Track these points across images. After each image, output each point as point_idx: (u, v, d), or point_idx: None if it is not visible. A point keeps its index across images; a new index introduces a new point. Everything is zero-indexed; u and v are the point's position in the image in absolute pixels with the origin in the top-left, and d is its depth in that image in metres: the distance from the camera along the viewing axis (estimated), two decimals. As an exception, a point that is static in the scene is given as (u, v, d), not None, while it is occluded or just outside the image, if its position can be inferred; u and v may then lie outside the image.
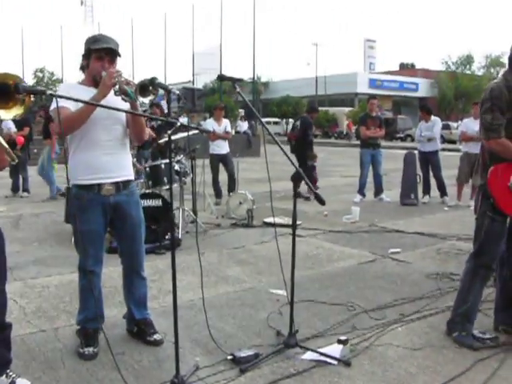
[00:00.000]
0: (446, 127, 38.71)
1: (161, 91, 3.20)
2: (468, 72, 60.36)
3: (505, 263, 4.26)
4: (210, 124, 10.96)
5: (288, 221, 8.58)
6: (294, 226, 3.77)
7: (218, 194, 10.97)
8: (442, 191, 11.06)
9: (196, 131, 7.09)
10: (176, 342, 3.20)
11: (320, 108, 58.27)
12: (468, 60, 61.23)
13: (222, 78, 3.61)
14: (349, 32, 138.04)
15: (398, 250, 6.94)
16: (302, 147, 11.59)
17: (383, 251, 6.86)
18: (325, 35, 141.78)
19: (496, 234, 4.00)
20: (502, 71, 4.11)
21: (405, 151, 12.22)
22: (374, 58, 64.61)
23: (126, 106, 3.58)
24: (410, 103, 59.72)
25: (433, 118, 11.22)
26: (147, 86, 3.27)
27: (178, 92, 3.23)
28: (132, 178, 3.99)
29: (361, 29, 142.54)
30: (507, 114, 3.84)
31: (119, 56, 3.71)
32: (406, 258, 6.62)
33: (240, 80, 3.56)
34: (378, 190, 11.50)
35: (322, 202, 3.52)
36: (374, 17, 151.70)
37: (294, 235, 3.79)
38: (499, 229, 3.99)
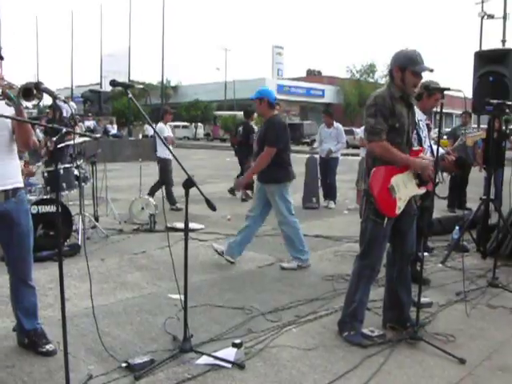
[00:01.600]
0: (350, 133, 39.89)
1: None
2: (371, 80, 62.36)
3: (392, 264, 4.47)
4: (164, 129, 10.74)
5: (191, 226, 8.59)
6: (186, 232, 3.79)
7: (174, 200, 10.76)
8: (332, 196, 11.45)
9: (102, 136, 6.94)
10: (65, 351, 3.13)
11: (229, 112, 57.83)
12: (371, 69, 63.27)
13: (113, 83, 3.58)
14: (258, 38, 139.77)
15: (298, 252, 7.09)
16: (244, 151, 12.24)
17: (284, 254, 7.00)
18: (234, 41, 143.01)
19: (379, 236, 4.22)
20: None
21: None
22: (281, 64, 65.56)
23: (11, 111, 3.46)
24: (316, 109, 60.92)
25: (335, 124, 11.54)
26: (31, 90, 3.18)
27: (63, 98, 3.17)
28: (21, 185, 3.87)
29: (269, 35, 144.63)
30: (390, 121, 4.10)
31: (2, 59, 3.60)
32: (305, 260, 6.78)
33: (131, 86, 3.54)
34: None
35: (212, 208, 3.56)
36: (282, 24, 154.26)
37: (186, 240, 3.81)
38: (381, 231, 4.21)
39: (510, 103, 5.78)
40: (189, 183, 3.54)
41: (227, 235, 8.27)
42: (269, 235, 8.33)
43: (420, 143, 4.65)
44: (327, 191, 11.55)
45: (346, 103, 59.98)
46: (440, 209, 10.69)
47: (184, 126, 56.39)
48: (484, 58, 6.63)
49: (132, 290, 5.55)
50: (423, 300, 4.93)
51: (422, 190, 4.35)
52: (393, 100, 4.14)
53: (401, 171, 4.18)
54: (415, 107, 5.83)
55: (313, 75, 70.57)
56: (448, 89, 4.10)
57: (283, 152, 6.35)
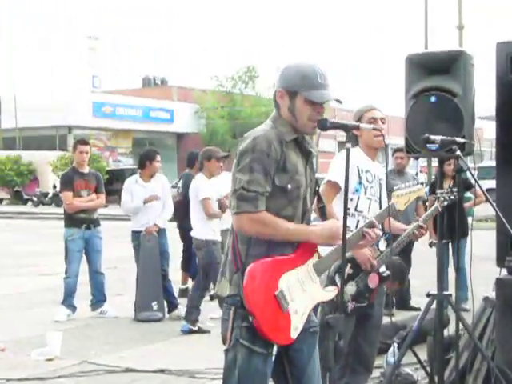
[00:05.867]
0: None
1: None
2: (251, 93, 63.34)
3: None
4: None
5: None
6: None
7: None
8: (170, 300, 11.53)
9: None
10: None
11: (6, 152, 56.38)
12: (250, 74, 64.23)
13: None
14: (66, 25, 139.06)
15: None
16: (186, 215, 11.53)
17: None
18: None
19: (257, 375, 4.18)
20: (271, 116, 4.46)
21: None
22: (98, 66, 65.40)
23: None
24: (162, 143, 61.07)
25: (158, 175, 11.92)
26: None
27: None
28: None
29: (79, 21, 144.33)
30: (277, 180, 4.16)
31: None
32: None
33: None
34: (98, 298, 11.59)
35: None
36: (100, 7, 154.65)
37: None
38: (261, 366, 4.18)
39: (462, 140, 6.02)
40: None
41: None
42: (69, 376, 8.20)
43: (323, 215, 4.76)
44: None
45: (209, 131, 60.64)
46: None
47: None
48: (421, 66, 6.82)
49: None
50: None
51: (332, 293, 4.43)
52: (283, 146, 4.21)
53: (294, 263, 4.21)
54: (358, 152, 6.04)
55: (154, 86, 70.86)
56: (356, 127, 4.37)
57: None
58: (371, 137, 6.00)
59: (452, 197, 6.15)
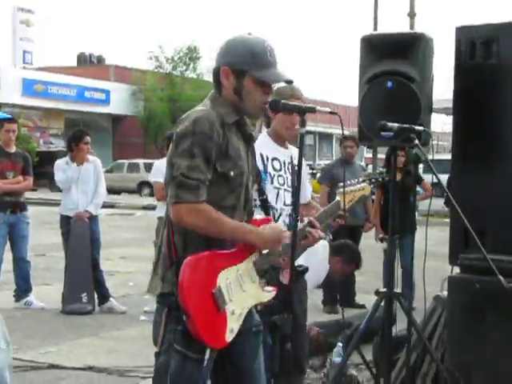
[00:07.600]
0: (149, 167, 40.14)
1: None
2: (192, 75, 63.28)
3: None
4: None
5: None
6: None
7: None
8: (101, 292, 11.42)
9: None
10: None
11: None
12: (192, 55, 64.04)
13: None
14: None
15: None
16: None
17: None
18: None
19: (190, 381, 4.10)
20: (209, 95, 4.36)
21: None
22: (31, 42, 64.71)
23: None
24: (97, 124, 60.72)
25: (91, 157, 11.80)
26: None
27: None
28: None
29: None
30: (218, 166, 4.04)
31: None
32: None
33: None
34: (23, 288, 11.45)
35: None
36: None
37: None
38: (196, 373, 4.09)
39: (420, 128, 5.87)
40: None
41: None
42: None
43: (265, 208, 4.62)
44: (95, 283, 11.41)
45: (147, 114, 60.49)
46: (312, 308, 10.83)
47: None
48: (377, 48, 6.71)
49: None
50: None
51: (270, 294, 4.36)
52: (225, 128, 4.10)
53: (235, 259, 4.13)
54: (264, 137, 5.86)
55: (90, 64, 70.49)
56: (312, 109, 4.18)
57: None
58: (283, 127, 5.65)
59: (380, 179, 6.00)
